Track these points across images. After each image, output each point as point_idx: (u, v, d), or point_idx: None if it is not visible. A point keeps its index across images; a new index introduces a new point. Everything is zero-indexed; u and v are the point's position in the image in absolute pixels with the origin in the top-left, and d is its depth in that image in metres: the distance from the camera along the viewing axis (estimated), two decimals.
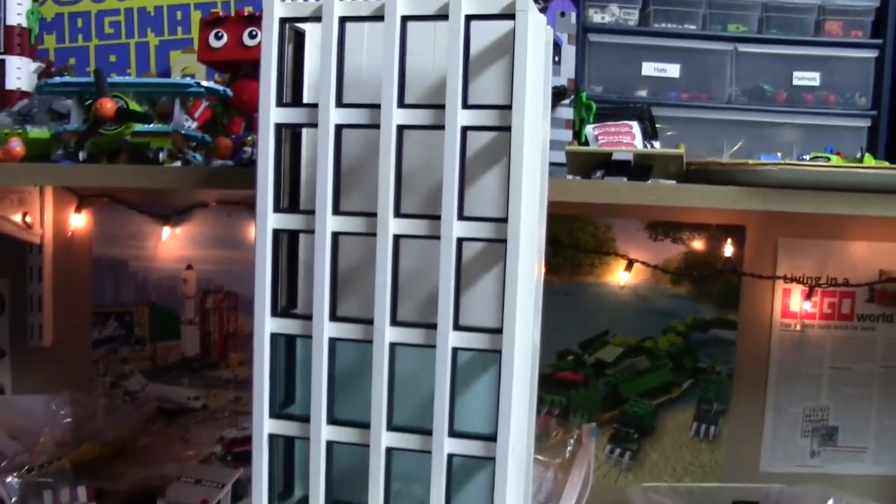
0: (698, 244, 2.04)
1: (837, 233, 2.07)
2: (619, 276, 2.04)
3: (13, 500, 1.73)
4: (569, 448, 1.91)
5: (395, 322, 1.12)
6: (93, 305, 2.15)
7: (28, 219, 2.06)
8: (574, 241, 2.04)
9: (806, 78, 1.84)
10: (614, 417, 2.09)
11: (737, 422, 2.09)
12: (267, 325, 1.17)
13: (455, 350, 1.11)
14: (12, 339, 2.19)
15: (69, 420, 1.97)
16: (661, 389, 2.08)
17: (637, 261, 2.03)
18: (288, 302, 1.25)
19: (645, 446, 2.09)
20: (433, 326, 1.10)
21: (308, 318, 1.15)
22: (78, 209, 2.13)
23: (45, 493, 1.78)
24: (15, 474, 1.77)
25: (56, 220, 2.14)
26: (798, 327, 2.07)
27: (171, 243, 2.12)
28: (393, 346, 1.12)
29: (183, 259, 2.12)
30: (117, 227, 2.13)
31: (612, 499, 1.97)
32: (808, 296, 2.05)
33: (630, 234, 2.05)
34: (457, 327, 1.10)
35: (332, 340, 1.15)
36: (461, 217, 1.09)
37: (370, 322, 1.12)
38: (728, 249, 2.04)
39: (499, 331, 1.09)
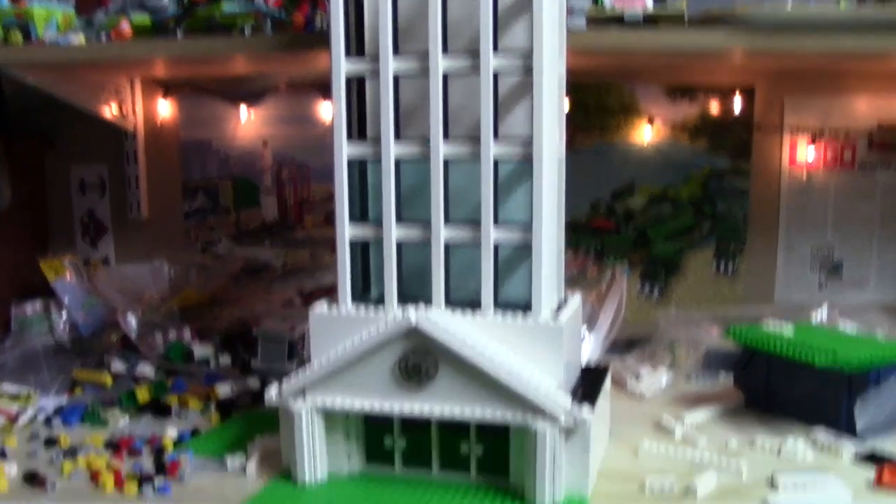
0: (713, 104, 2.29)
1: (839, 89, 2.28)
2: (643, 134, 2.31)
3: (134, 334, 2.05)
4: (604, 285, 2.18)
5: (447, 138, 1.40)
6: (182, 181, 2.46)
7: (123, 109, 2.36)
8: (601, 104, 2.30)
9: None
10: (643, 258, 2.36)
11: (752, 259, 2.35)
12: (344, 150, 1.45)
13: (496, 162, 1.39)
14: (114, 215, 2.51)
15: (169, 277, 2.29)
16: (685, 232, 2.34)
17: (658, 118, 2.29)
18: (359, 133, 1.52)
19: (672, 282, 2.36)
20: (477, 140, 1.38)
21: (376, 141, 1.43)
22: (164, 97, 2.43)
23: (157, 334, 2.10)
24: (131, 314, 2.08)
25: (146, 108, 2.44)
26: (804, 174, 2.31)
27: (248, 123, 2.42)
28: (446, 162, 1.40)
29: (259, 137, 2.42)
30: (200, 112, 2.43)
31: (644, 328, 2.23)
32: (812, 143, 2.29)
33: (651, 97, 2.31)
34: (497, 139, 1.38)
35: (398, 160, 1.43)
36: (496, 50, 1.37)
37: (427, 140, 1.40)
38: (739, 106, 2.28)
39: (530, 142, 1.37)
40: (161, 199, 2.48)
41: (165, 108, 2.44)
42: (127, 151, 2.45)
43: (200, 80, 2.41)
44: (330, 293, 1.52)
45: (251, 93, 2.40)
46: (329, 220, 2.23)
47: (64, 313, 2.18)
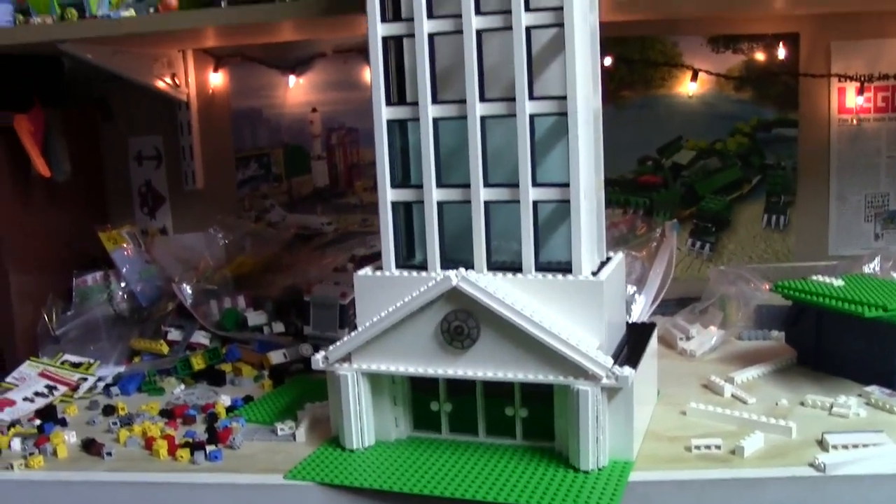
0: (757, 53, 2.26)
1: (886, 31, 2.23)
2: (688, 87, 2.28)
3: (189, 302, 2.09)
4: (653, 243, 2.17)
5: (483, 98, 1.41)
6: (235, 150, 2.50)
7: (176, 80, 2.40)
8: (645, 58, 2.29)
9: None
10: (693, 214, 2.34)
11: (804, 211, 2.32)
12: (383, 113, 1.47)
13: (532, 117, 1.39)
14: (170, 186, 2.56)
15: (224, 243, 2.32)
16: (733, 186, 2.32)
17: (702, 70, 2.27)
18: (399, 97, 1.54)
19: (722, 238, 2.35)
20: (513, 99, 1.39)
21: (414, 104, 1.45)
22: (216, 69, 2.47)
23: (211, 301, 2.14)
24: (186, 283, 2.12)
25: (198, 79, 2.48)
26: (854, 121, 2.27)
27: (297, 91, 2.44)
28: (483, 119, 1.41)
29: (308, 103, 2.44)
30: (250, 81, 2.46)
31: (694, 286, 2.23)
32: (861, 91, 2.25)
33: (694, 49, 2.28)
34: (532, 97, 1.39)
35: (436, 120, 1.44)
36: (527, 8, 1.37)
37: (464, 101, 1.41)
38: (783, 53, 2.25)
39: (564, 97, 1.37)
40: (215, 168, 2.52)
41: (217, 79, 2.47)
42: (181, 122, 2.49)
43: (249, 49, 2.43)
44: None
45: (299, 60, 2.43)
46: None
47: (122, 283, 2.22)
